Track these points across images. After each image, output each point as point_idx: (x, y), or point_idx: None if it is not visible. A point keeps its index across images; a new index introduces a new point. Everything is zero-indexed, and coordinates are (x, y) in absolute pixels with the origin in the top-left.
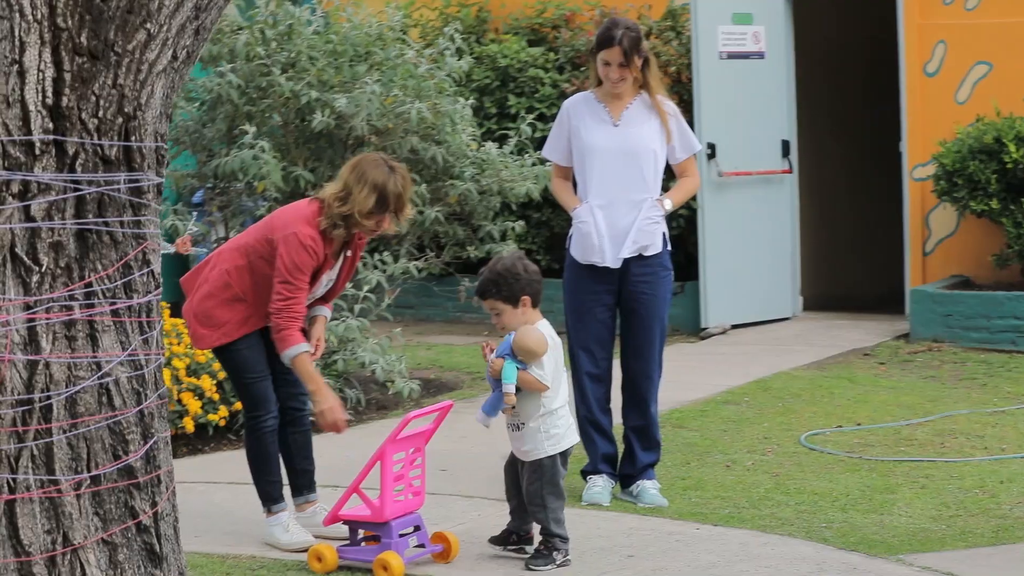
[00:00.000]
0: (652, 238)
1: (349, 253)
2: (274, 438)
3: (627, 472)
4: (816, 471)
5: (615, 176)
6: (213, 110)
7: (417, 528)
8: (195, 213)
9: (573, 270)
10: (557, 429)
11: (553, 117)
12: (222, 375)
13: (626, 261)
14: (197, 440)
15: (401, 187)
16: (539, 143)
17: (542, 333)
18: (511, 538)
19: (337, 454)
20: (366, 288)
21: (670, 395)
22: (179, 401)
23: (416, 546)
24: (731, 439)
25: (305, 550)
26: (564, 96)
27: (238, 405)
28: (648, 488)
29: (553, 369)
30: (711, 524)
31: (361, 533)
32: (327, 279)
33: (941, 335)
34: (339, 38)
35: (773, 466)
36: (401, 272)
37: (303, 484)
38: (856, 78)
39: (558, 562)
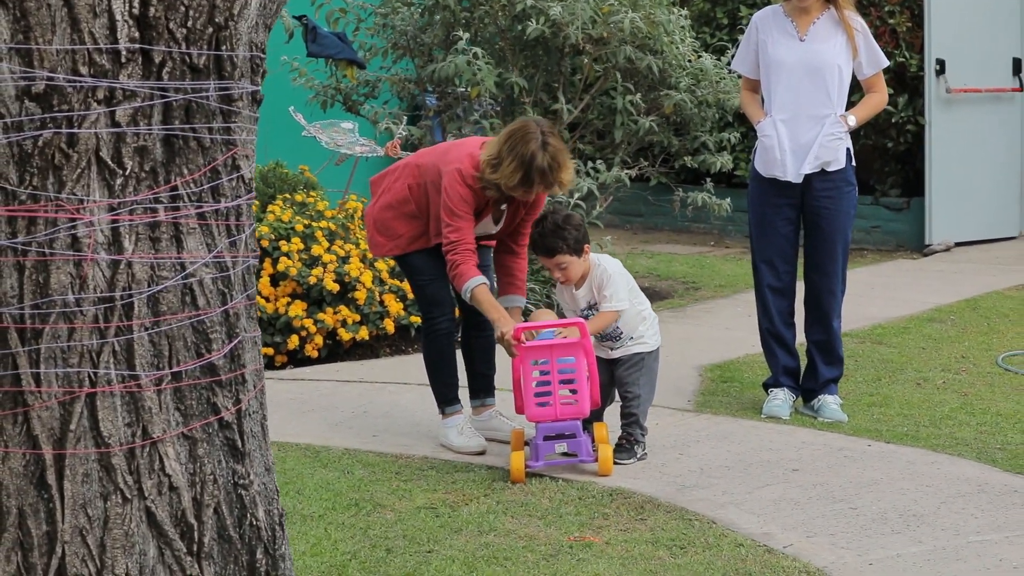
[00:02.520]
0: (834, 154)
1: (503, 207)
2: (450, 340)
3: (809, 386)
4: (1006, 392)
5: (799, 91)
6: (431, 15)
7: (572, 436)
8: (406, 117)
9: (756, 183)
10: (655, 327)
11: None
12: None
13: (808, 176)
14: (400, 341)
15: (548, 164)
16: None
17: (610, 314)
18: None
19: None
20: (576, 196)
21: (877, 311)
22: (381, 303)
23: (563, 453)
24: (928, 357)
25: (478, 453)
26: None
27: None
28: (829, 403)
29: (628, 289)
30: (884, 441)
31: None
32: (485, 225)
33: None
34: None
35: (964, 385)
36: (614, 180)
37: (481, 388)
38: None
39: (638, 455)
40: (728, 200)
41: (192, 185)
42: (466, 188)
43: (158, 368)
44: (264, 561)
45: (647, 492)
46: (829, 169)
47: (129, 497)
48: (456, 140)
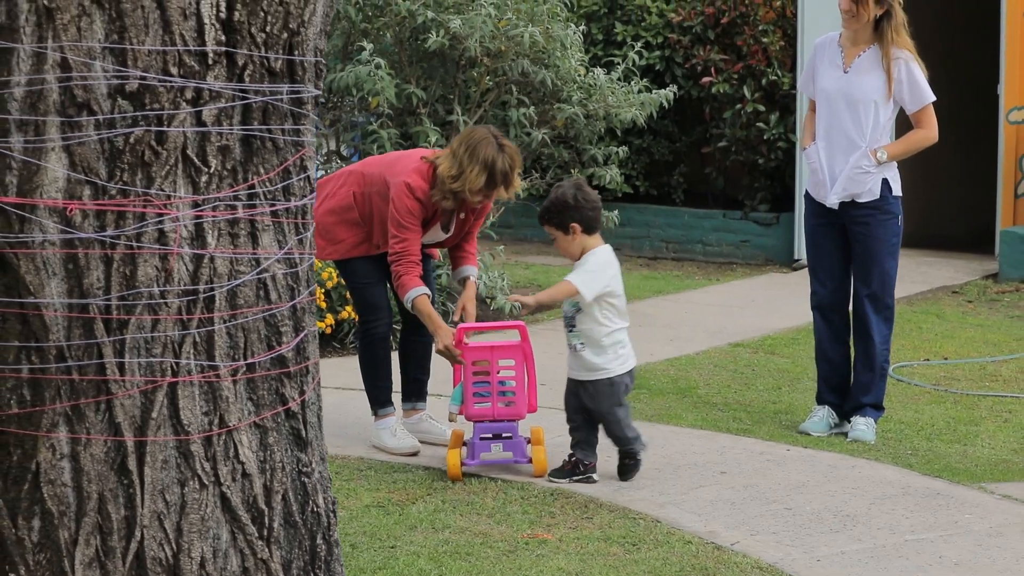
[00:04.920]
0: (861, 187)
1: (462, 216)
2: (385, 344)
3: (847, 406)
4: (903, 401)
5: (836, 121)
6: (330, 26)
7: (509, 437)
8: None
9: (807, 202)
10: (624, 348)
11: (659, 46)
12: (330, 284)
13: (845, 203)
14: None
15: (509, 165)
16: (643, 71)
17: (564, 285)
18: (578, 468)
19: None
20: None
21: (764, 322)
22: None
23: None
24: None
25: (412, 454)
26: (670, 26)
27: (344, 314)
28: (858, 423)
29: (603, 286)
30: (802, 446)
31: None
32: (434, 233)
33: None
34: None
35: None
36: None
37: (413, 392)
38: (959, 20)
39: (571, 479)
40: (616, 212)
41: (267, 184)
42: (414, 201)
43: (234, 359)
44: (322, 547)
45: (587, 492)
46: (860, 200)
47: (206, 483)
48: (401, 151)
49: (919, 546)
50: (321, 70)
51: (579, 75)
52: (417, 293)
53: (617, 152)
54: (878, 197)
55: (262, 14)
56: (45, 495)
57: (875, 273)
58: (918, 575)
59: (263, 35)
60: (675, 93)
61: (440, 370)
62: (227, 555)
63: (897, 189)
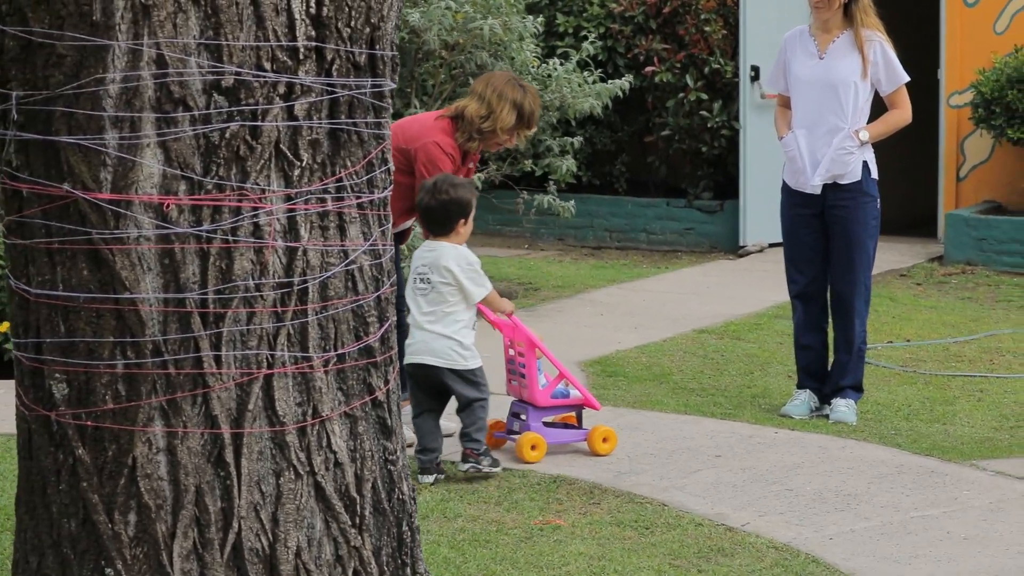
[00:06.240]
0: (845, 167)
1: (465, 167)
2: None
3: (827, 388)
4: (875, 383)
5: (816, 106)
6: None
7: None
8: None
9: (785, 194)
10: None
11: (601, 37)
12: None
13: (825, 187)
14: None
15: (534, 105)
16: (596, 62)
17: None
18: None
19: None
20: None
21: (723, 308)
22: None
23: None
24: (788, 351)
25: (408, 446)
26: (611, 16)
27: None
28: (838, 405)
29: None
30: (788, 429)
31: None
32: None
33: (974, 258)
34: None
35: None
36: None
37: (404, 383)
38: (898, 5)
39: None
40: (572, 203)
41: (354, 176)
42: (447, 159)
43: (325, 350)
44: (407, 533)
45: (588, 478)
46: (842, 182)
47: (301, 473)
48: (403, 120)
49: (925, 522)
50: (396, 64)
51: (532, 67)
52: None
53: (572, 142)
54: (858, 180)
55: (347, 9)
56: (142, 489)
57: (857, 255)
58: (930, 550)
59: (348, 30)
60: (630, 83)
61: None
62: (321, 543)
63: (875, 172)
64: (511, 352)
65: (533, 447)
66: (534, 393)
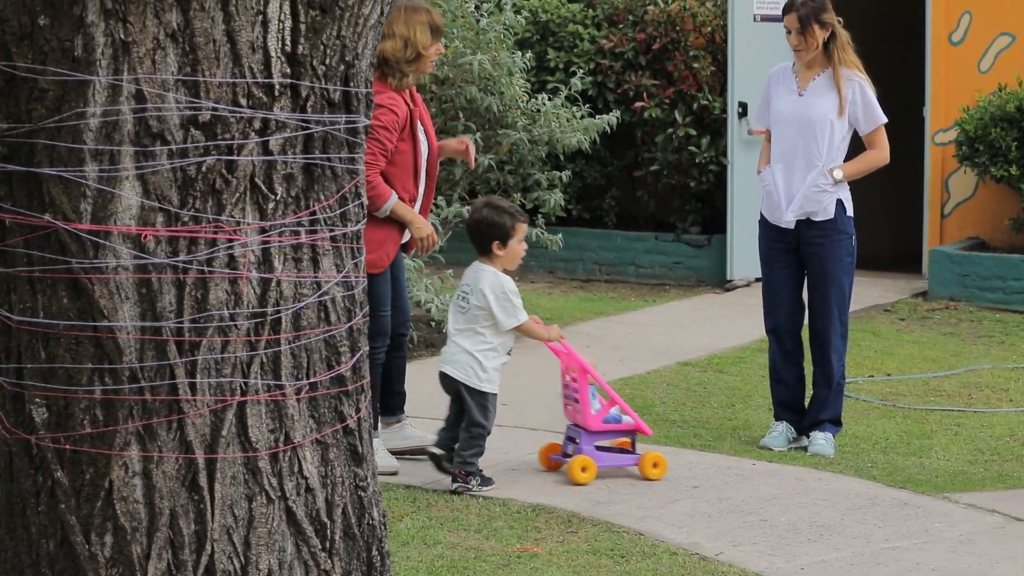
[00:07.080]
0: (818, 205)
1: (419, 110)
2: (380, 369)
3: (806, 422)
4: (854, 416)
5: (793, 142)
6: None
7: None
8: None
9: (762, 227)
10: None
11: (591, 72)
12: None
13: (800, 223)
14: None
15: (436, 15)
16: (586, 97)
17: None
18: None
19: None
20: None
21: (708, 342)
22: None
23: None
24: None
25: (392, 473)
26: (601, 52)
27: None
28: (816, 438)
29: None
30: (765, 461)
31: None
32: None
33: (957, 294)
34: None
35: None
36: (454, 216)
37: (396, 405)
38: (884, 44)
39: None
40: (560, 236)
41: (327, 210)
42: (390, 113)
43: (298, 379)
44: (377, 557)
45: (567, 507)
46: (816, 219)
47: (273, 498)
48: None
49: (895, 554)
50: (371, 101)
51: (522, 101)
52: (394, 200)
53: (560, 177)
54: (832, 217)
55: (322, 47)
56: (118, 511)
57: (832, 292)
58: None
59: (323, 67)
60: (618, 118)
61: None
62: (292, 567)
63: (850, 210)
64: (567, 377)
65: (584, 469)
66: (586, 418)
